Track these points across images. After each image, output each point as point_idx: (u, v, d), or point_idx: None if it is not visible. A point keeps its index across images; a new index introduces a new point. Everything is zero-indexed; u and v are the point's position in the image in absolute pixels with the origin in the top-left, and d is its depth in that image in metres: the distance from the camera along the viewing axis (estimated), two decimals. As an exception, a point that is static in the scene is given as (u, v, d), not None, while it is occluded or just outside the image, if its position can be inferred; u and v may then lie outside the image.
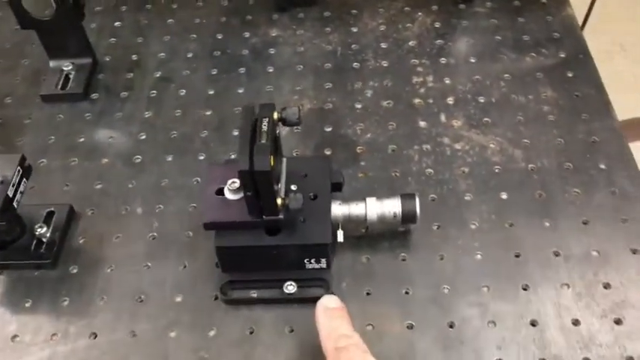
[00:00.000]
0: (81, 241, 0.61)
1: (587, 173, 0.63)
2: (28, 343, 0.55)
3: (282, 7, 0.82)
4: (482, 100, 0.70)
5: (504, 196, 0.62)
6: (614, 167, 0.63)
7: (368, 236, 0.59)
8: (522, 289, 0.55)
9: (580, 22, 0.79)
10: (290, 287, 0.56)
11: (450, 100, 0.70)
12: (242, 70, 0.76)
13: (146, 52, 0.79)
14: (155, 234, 0.61)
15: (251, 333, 0.54)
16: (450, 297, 0.55)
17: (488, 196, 0.62)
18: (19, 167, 0.56)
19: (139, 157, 0.68)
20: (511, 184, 0.63)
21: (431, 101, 0.70)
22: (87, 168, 0.67)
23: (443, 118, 0.69)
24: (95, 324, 0.56)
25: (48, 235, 0.60)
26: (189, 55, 0.78)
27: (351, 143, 0.67)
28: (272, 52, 0.77)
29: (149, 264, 0.59)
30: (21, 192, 0.57)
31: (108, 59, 0.78)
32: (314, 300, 0.51)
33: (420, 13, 0.80)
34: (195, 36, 0.80)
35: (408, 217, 0.56)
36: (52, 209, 0.62)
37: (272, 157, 0.49)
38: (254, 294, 0.56)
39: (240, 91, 0.73)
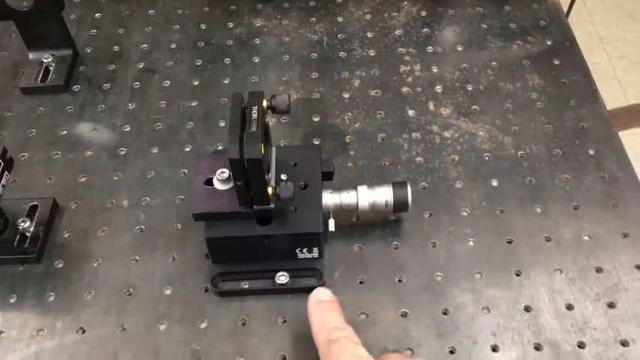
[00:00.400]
0: (66, 235, 0.60)
1: (576, 159, 0.63)
2: (14, 339, 0.53)
3: (266, -3, 0.81)
4: (470, 88, 0.70)
5: (495, 182, 0.62)
6: (603, 152, 0.63)
7: (360, 225, 0.59)
8: (515, 275, 0.55)
9: (565, 10, 0.79)
10: (282, 278, 0.55)
11: (439, 89, 0.70)
12: (227, 60, 0.74)
13: (128, 44, 0.77)
14: (142, 227, 0.60)
15: (243, 324, 0.54)
16: (443, 284, 0.55)
17: (479, 183, 0.62)
18: (0, 160, 0.55)
19: (123, 149, 0.66)
20: (501, 171, 0.62)
21: (419, 90, 0.70)
22: (70, 161, 0.66)
23: (431, 106, 0.68)
24: (83, 319, 0.54)
25: (31, 229, 0.58)
26: (173, 45, 0.77)
27: (340, 133, 0.67)
28: (257, 42, 0.76)
29: (137, 257, 0.58)
30: (2, 185, 0.55)
31: (89, 51, 0.77)
32: (306, 290, 0.51)
33: (405, 2, 0.80)
34: (177, 26, 0.79)
35: (400, 205, 0.56)
36: (35, 203, 0.60)
37: (262, 146, 0.48)
38: (245, 285, 0.55)
39: (226, 81, 0.72)
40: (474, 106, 0.68)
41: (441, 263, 0.56)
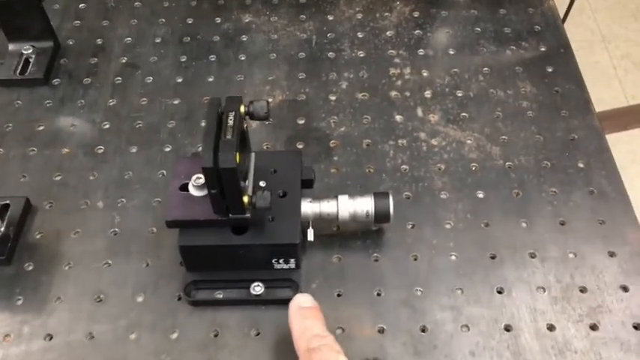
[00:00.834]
0: (37, 237, 0.58)
1: (565, 172, 0.61)
2: (-22, 345, 0.52)
3: (255, -8, 0.79)
4: (460, 95, 0.68)
5: (481, 194, 0.60)
6: (593, 166, 0.62)
7: (340, 235, 0.57)
8: (497, 292, 0.54)
9: (561, 16, 0.77)
10: (257, 288, 0.53)
11: (428, 94, 0.68)
12: (212, 57, 0.72)
13: (112, 37, 0.75)
14: (117, 229, 0.58)
15: (215, 336, 0.52)
16: (422, 299, 0.54)
17: (464, 195, 0.60)
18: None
19: (101, 147, 0.65)
20: (488, 183, 0.61)
21: (408, 94, 0.68)
22: (46, 158, 0.64)
23: (420, 112, 0.67)
24: (51, 325, 0.53)
25: (2, 229, 0.57)
26: (158, 40, 0.74)
27: (325, 137, 0.65)
28: (244, 39, 0.74)
29: (109, 261, 0.56)
30: (-28, 184, 0.54)
31: (71, 43, 0.74)
32: (282, 302, 0.49)
33: (398, 2, 0.77)
34: (163, 20, 0.77)
35: (381, 216, 0.54)
36: (7, 202, 0.59)
37: (238, 154, 0.46)
38: (219, 295, 0.54)
39: (210, 79, 0.70)
40: (464, 113, 0.66)
41: (421, 277, 0.55)
